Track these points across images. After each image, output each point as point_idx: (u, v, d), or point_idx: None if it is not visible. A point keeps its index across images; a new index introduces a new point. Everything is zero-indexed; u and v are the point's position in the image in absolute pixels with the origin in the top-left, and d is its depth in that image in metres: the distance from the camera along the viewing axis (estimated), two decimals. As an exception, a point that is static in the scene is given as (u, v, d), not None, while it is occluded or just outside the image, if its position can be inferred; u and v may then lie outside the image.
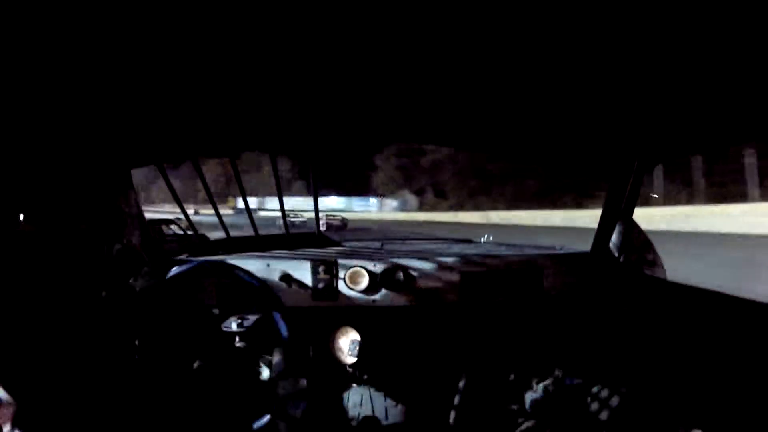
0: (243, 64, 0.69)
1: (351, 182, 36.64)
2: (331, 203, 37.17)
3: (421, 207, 36.23)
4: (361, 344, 1.29)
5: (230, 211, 36.17)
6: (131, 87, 0.75)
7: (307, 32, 0.57)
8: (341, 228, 19.63)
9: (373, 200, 36.93)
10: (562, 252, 1.48)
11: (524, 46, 0.61)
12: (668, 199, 21.08)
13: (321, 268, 1.31)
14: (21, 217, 0.87)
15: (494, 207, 29.98)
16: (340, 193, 37.34)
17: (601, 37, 0.57)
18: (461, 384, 1.31)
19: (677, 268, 1.35)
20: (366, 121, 1.08)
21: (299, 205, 42.12)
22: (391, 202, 36.78)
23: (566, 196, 23.38)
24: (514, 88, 0.81)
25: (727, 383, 0.87)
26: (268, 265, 1.30)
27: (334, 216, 21.62)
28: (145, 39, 0.58)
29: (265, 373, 1.12)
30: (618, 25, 0.53)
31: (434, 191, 38.77)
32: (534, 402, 1.24)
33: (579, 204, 21.51)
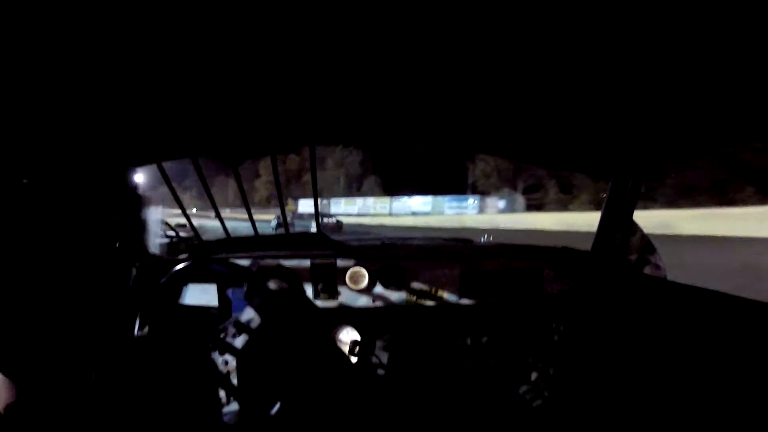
0: (243, 63, 0.70)
1: (441, 178, 28.46)
2: (415, 205, 29.86)
3: (533, 207, 26.89)
4: (361, 344, 1.32)
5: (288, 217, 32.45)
6: (131, 85, 0.77)
7: (304, 30, 0.59)
8: (336, 230, 20.46)
9: (471, 200, 28.39)
10: (562, 251, 1.53)
11: (526, 47, 0.63)
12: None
13: (321, 268, 1.36)
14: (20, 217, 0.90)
15: (645, 206, 20.89)
16: (426, 192, 29.48)
17: (601, 37, 0.60)
18: (461, 383, 1.40)
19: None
20: (361, 119, 1.08)
21: (369, 208, 36.63)
22: (496, 202, 28.38)
23: (744, 189, 19.39)
24: (515, 88, 0.83)
25: (726, 382, 0.89)
26: (268, 265, 1.36)
27: (330, 218, 23.12)
28: (145, 37, 0.59)
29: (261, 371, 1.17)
30: (619, 25, 0.56)
31: (559, 185, 30.02)
32: (533, 399, 1.34)
33: (763, 200, 17.40)
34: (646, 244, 1.31)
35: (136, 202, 1.22)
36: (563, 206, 27.57)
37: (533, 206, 29.26)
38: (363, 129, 1.18)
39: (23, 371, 0.77)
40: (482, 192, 28.70)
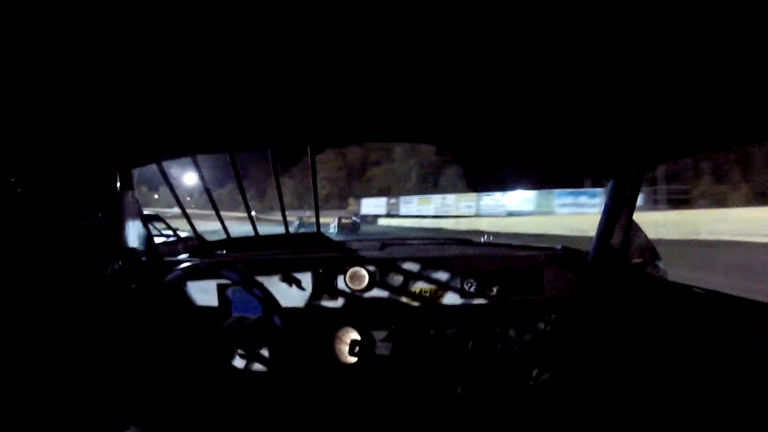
0: (243, 61, 0.71)
1: (547, 165, 22.25)
2: (512, 203, 22.85)
3: (677, 201, 20.11)
4: (361, 344, 1.36)
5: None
6: (131, 86, 0.78)
7: (309, 29, 0.61)
8: (354, 230, 20.03)
9: (591, 194, 21.97)
10: (562, 252, 1.54)
11: (525, 46, 0.65)
12: None
13: (321, 268, 1.39)
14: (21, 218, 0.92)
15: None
16: (527, 185, 22.84)
17: (601, 37, 0.61)
18: (461, 383, 1.42)
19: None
20: (364, 116, 1.09)
21: (449, 208, 29.38)
22: (627, 198, 21.12)
23: None
24: (514, 88, 0.83)
25: (726, 382, 0.92)
26: (267, 265, 1.38)
27: (347, 218, 22.37)
28: (144, 35, 0.61)
29: (259, 367, 1.21)
30: (618, 25, 0.58)
31: (713, 173, 22.04)
32: (533, 399, 1.37)
33: None
34: (647, 244, 1.34)
35: (136, 202, 1.26)
36: (717, 201, 21.10)
37: (677, 201, 21.87)
38: (364, 129, 1.20)
39: (21, 371, 0.79)
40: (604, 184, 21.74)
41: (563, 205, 21.18)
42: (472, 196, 24.83)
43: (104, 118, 0.92)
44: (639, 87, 0.79)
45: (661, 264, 1.31)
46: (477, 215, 23.46)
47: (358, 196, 34.62)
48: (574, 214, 19.95)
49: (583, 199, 21.00)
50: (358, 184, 37.01)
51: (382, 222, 30.38)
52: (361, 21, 0.57)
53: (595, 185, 21.56)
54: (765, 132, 0.90)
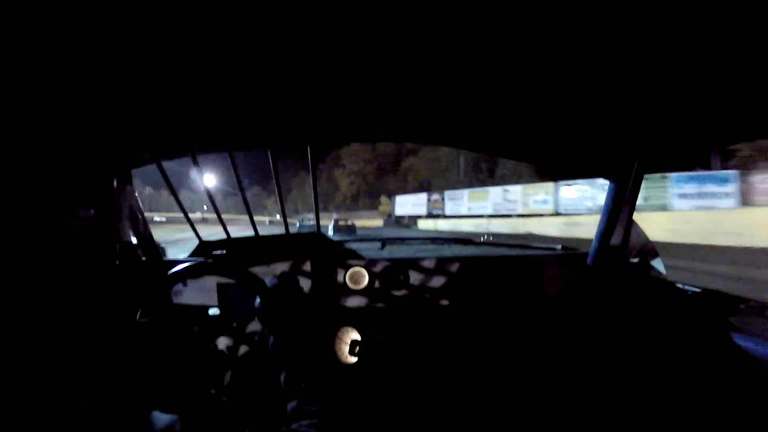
0: (243, 60, 0.73)
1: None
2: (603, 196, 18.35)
3: None
4: (362, 344, 1.35)
5: (379, 222, 24.25)
6: (130, 85, 0.80)
7: (309, 28, 0.62)
8: (350, 232, 19.42)
9: (720, 181, 15.87)
10: (562, 252, 1.58)
11: (525, 46, 0.67)
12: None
13: (321, 268, 1.40)
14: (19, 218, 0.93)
15: None
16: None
17: (601, 36, 0.63)
18: (461, 383, 1.41)
19: None
20: (364, 115, 1.09)
21: (514, 204, 16.08)
22: (758, 180, 15.15)
23: None
24: (514, 87, 0.86)
25: (726, 382, 0.93)
26: (267, 265, 1.39)
27: (345, 220, 22.06)
28: (144, 34, 0.62)
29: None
30: (618, 25, 0.59)
31: None
32: (532, 399, 1.35)
33: None
34: (647, 244, 1.33)
35: (136, 203, 1.25)
36: None
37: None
38: (364, 128, 1.18)
39: (18, 374, 0.80)
40: (744, 166, 15.74)
41: (682, 196, 15.38)
42: (547, 186, 18.98)
43: (104, 117, 0.93)
44: (639, 86, 0.79)
45: (660, 264, 1.30)
46: (556, 213, 17.94)
47: (391, 194, 29.83)
48: (697, 208, 14.27)
49: (710, 186, 15.15)
50: (391, 178, 32.24)
51: (423, 225, 25.06)
52: (361, 19, 0.58)
53: (725, 167, 15.69)
54: (763, 131, 0.90)
